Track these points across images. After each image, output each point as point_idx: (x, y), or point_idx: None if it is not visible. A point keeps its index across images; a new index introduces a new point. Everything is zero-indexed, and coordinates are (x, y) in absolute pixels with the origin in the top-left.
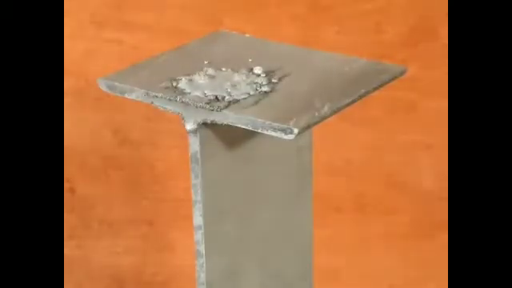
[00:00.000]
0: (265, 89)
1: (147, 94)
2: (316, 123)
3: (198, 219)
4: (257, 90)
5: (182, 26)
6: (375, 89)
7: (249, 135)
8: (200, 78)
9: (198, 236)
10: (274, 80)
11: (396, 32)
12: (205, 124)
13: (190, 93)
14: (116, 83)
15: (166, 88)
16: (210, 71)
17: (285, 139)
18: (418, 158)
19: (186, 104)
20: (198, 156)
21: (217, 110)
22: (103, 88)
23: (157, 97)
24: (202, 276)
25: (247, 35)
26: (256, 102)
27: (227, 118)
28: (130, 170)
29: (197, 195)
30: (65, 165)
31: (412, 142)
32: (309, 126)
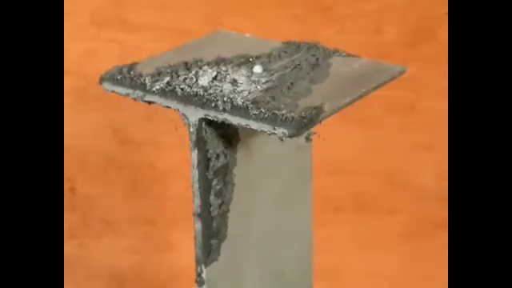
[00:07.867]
0: (264, 88)
1: (147, 91)
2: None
3: None
4: (257, 88)
5: (182, 26)
6: (375, 88)
7: (249, 134)
8: (200, 78)
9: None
10: (273, 79)
11: (396, 32)
12: (205, 123)
13: (189, 91)
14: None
15: (166, 86)
16: (210, 71)
17: (284, 138)
18: (418, 158)
19: (186, 102)
20: (198, 155)
21: (216, 109)
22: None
23: (157, 94)
24: (202, 276)
25: (247, 35)
26: (256, 101)
27: (227, 116)
28: (130, 169)
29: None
30: (65, 165)
31: (412, 141)
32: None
